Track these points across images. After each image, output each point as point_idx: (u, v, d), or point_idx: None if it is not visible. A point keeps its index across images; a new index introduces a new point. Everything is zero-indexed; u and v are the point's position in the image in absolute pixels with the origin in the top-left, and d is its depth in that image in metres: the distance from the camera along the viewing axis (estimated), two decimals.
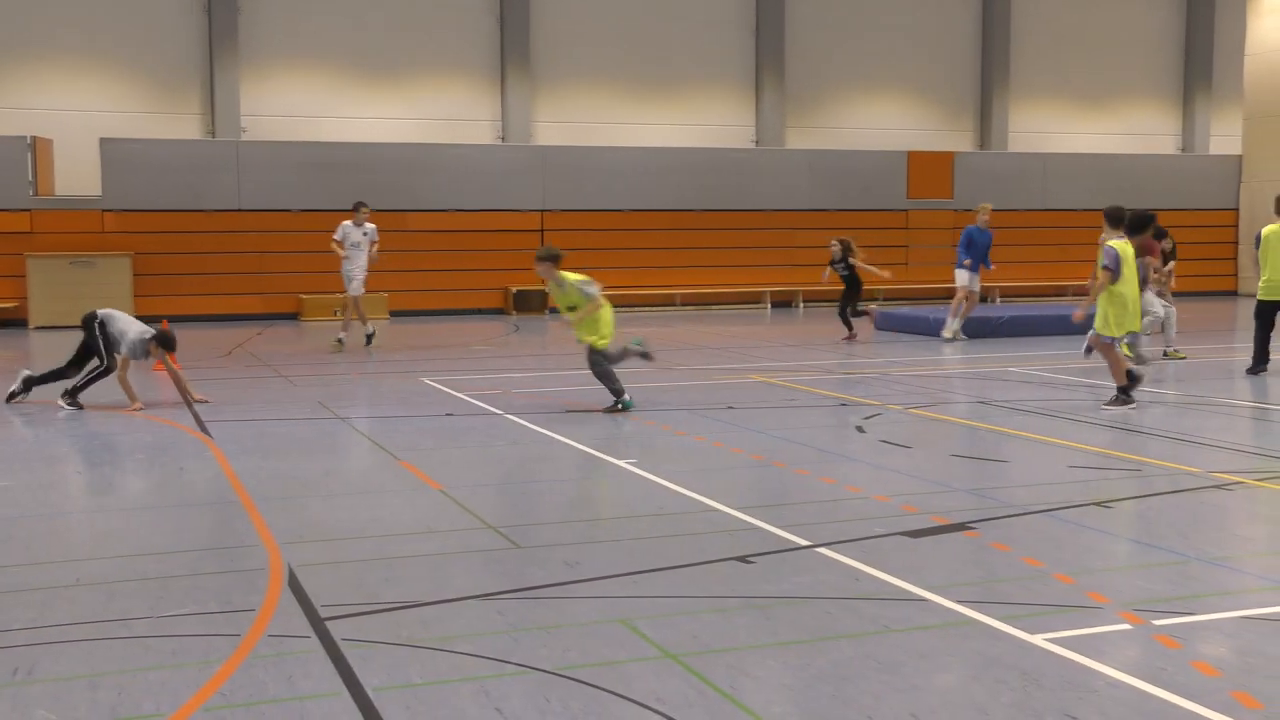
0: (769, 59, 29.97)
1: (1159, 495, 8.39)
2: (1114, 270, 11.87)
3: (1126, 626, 5.58)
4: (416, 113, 28.10)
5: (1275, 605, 5.91)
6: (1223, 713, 4.57)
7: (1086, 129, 33.21)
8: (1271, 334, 14.56)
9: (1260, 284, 14.81)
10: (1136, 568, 6.66)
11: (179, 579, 6.51)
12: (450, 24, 28.11)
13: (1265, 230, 14.87)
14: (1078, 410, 12.10)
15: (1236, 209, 31.43)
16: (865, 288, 20.66)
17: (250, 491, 8.61)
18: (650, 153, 28.19)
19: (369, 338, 19.03)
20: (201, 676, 5.04)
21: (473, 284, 26.86)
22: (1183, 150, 33.97)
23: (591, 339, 12.24)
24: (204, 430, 11.28)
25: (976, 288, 19.71)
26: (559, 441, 10.59)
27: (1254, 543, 7.53)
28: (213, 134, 26.88)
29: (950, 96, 32.08)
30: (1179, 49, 33.87)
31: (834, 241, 19.98)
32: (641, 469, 9.29)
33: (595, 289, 12.26)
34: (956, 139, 32.02)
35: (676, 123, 29.70)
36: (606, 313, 12.46)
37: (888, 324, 21.85)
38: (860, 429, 11.11)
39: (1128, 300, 12.02)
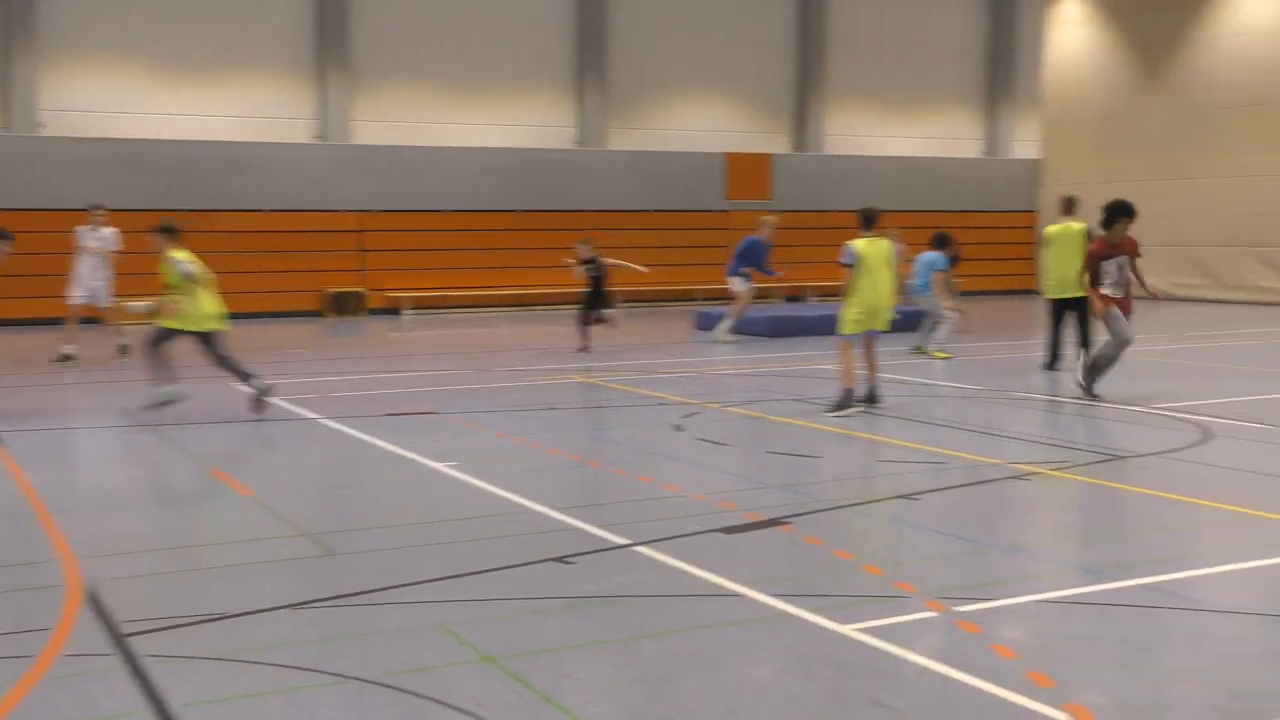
0: (591, 60, 30.02)
1: (962, 487, 8.66)
2: (852, 267, 11.96)
3: (932, 614, 5.75)
4: (230, 109, 27.30)
5: (1068, 589, 6.18)
6: (1019, 692, 4.75)
7: (898, 132, 34.12)
8: (1063, 330, 15.05)
9: (1048, 283, 15.24)
10: (941, 557, 6.86)
11: None
12: (266, 18, 27.40)
13: (1049, 230, 15.42)
14: (888, 407, 12.39)
15: (1036, 211, 32.70)
16: (636, 287, 20.59)
17: (46, 504, 8.26)
18: (472, 153, 27.99)
19: (122, 349, 17.11)
20: None
21: (289, 285, 26.25)
22: (986, 154, 35.18)
23: (184, 324, 12.03)
24: None
25: (744, 290, 19.67)
26: (376, 446, 10.42)
27: (1049, 530, 7.85)
28: (7, 128, 25.69)
29: (768, 99, 32.60)
30: (983, 57, 35.07)
31: (583, 241, 18.95)
32: (461, 472, 9.21)
33: (193, 270, 12.01)
34: (774, 141, 32.56)
35: (499, 123, 29.51)
36: (204, 299, 12.21)
37: (708, 323, 22.11)
38: (678, 428, 11.20)
39: (869, 300, 11.97)
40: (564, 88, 30.11)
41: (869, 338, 12.14)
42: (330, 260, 26.58)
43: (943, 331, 17.17)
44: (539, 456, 10.02)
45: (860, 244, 12.10)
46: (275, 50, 27.57)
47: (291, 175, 26.28)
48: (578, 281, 18.70)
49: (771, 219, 20.10)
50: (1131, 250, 12.42)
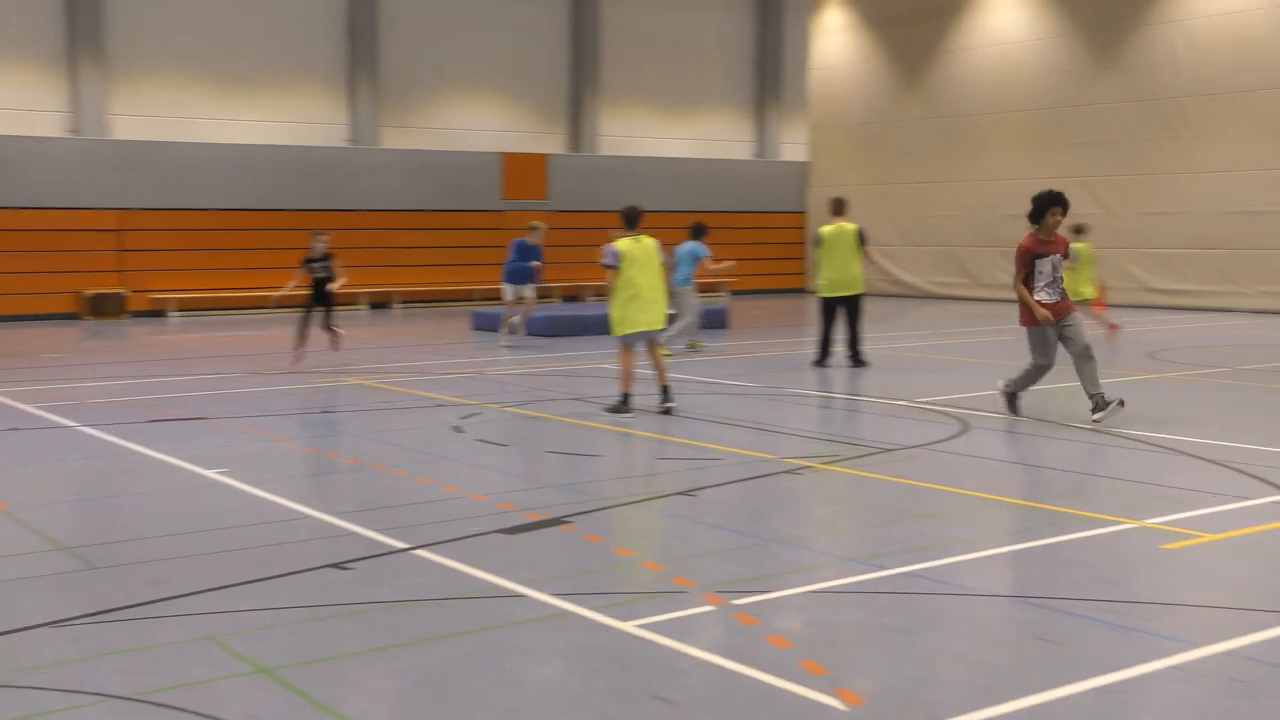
0: (362, 56, 29.53)
1: (738, 482, 8.85)
2: (615, 267, 11.89)
3: (710, 608, 5.86)
4: None
5: (839, 579, 6.38)
6: (794, 681, 4.89)
7: (672, 134, 34.67)
8: (834, 329, 15.52)
9: (821, 282, 15.66)
10: (718, 552, 6.99)
11: None
12: (11, 3, 26.04)
13: (823, 230, 15.75)
14: (676, 406, 12.55)
15: (805, 212, 33.69)
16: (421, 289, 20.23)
17: None
18: (239, 149, 27.23)
19: None
20: None
21: (42, 287, 25.06)
22: (757, 156, 36.06)
23: None
24: None
25: (524, 294, 19.18)
26: (141, 454, 10.05)
27: (822, 522, 8.10)
28: None
29: (543, 99, 32.69)
30: (752, 62, 35.93)
31: (319, 235, 17.05)
32: (233, 478, 8.96)
33: None
34: (550, 141, 32.67)
35: (267, 119, 28.75)
36: None
37: (484, 324, 22.03)
38: (457, 429, 11.14)
39: (636, 300, 11.86)
40: (334, 84, 29.56)
41: (648, 339, 12.11)
42: (87, 260, 25.47)
43: (682, 325, 17.24)
44: (314, 461, 9.83)
45: (623, 243, 12.04)
46: (21, 39, 26.22)
47: (43, 171, 25.10)
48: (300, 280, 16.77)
49: (540, 224, 19.86)
50: (1063, 248, 11.59)
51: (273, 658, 5.23)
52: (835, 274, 15.36)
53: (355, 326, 23.33)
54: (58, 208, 25.17)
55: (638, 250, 12.01)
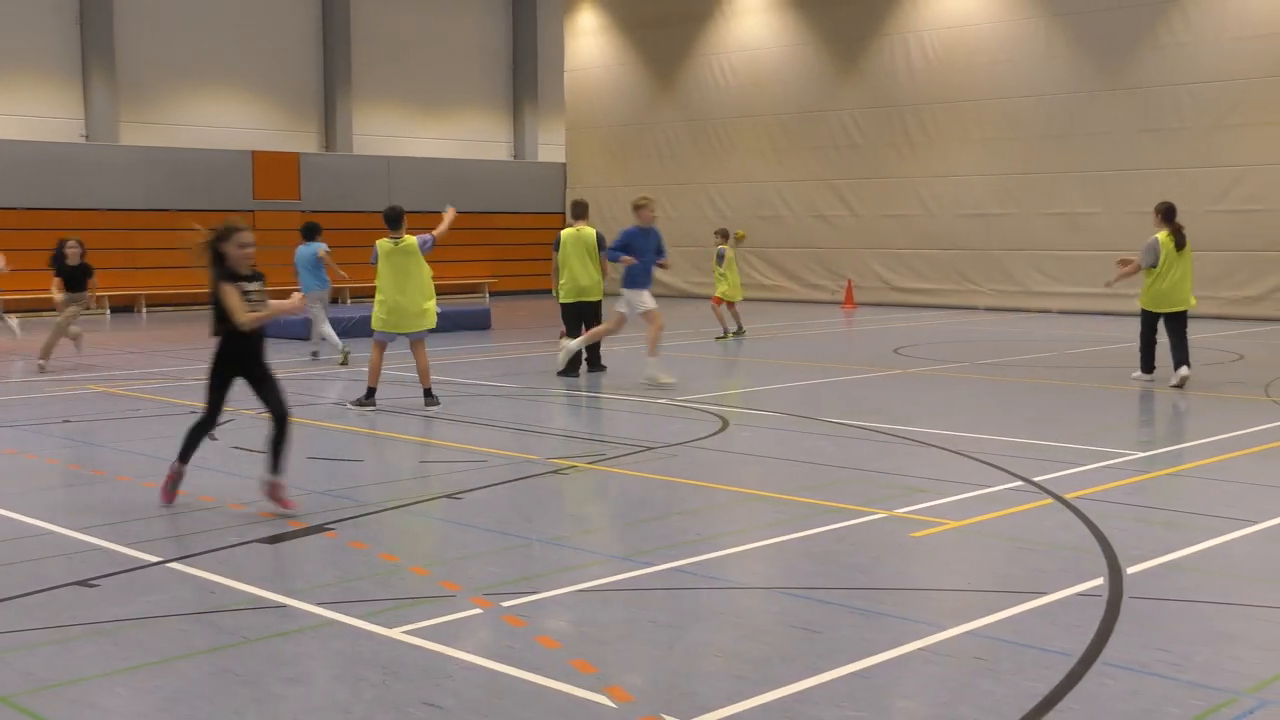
0: (96, 49, 28.23)
1: (504, 483, 8.83)
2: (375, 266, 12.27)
3: (478, 611, 5.83)
4: None
5: (605, 577, 6.44)
6: (563, 680, 4.91)
7: (428, 134, 34.36)
8: (582, 331, 14.95)
9: (560, 286, 15.04)
10: (486, 554, 6.95)
11: None
12: None
13: (563, 234, 15.15)
14: (423, 407, 12.43)
15: (563, 212, 33.85)
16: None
17: None
18: None
19: None
20: None
21: None
22: (515, 157, 36.07)
23: None
24: None
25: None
26: None
27: (587, 521, 8.16)
28: None
29: (294, 97, 31.93)
30: (507, 62, 35.94)
31: (72, 243, 16.09)
32: None
33: None
34: (302, 139, 31.94)
35: None
36: None
37: None
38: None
39: (393, 300, 12.13)
40: (67, 77, 28.21)
41: (412, 339, 12.25)
42: None
43: (324, 333, 16.85)
44: (55, 473, 9.35)
45: (384, 244, 12.24)
46: None
47: None
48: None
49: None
50: None
51: (9, 683, 4.95)
52: (571, 279, 14.88)
53: (98, 331, 22.28)
54: None
55: (398, 250, 12.18)
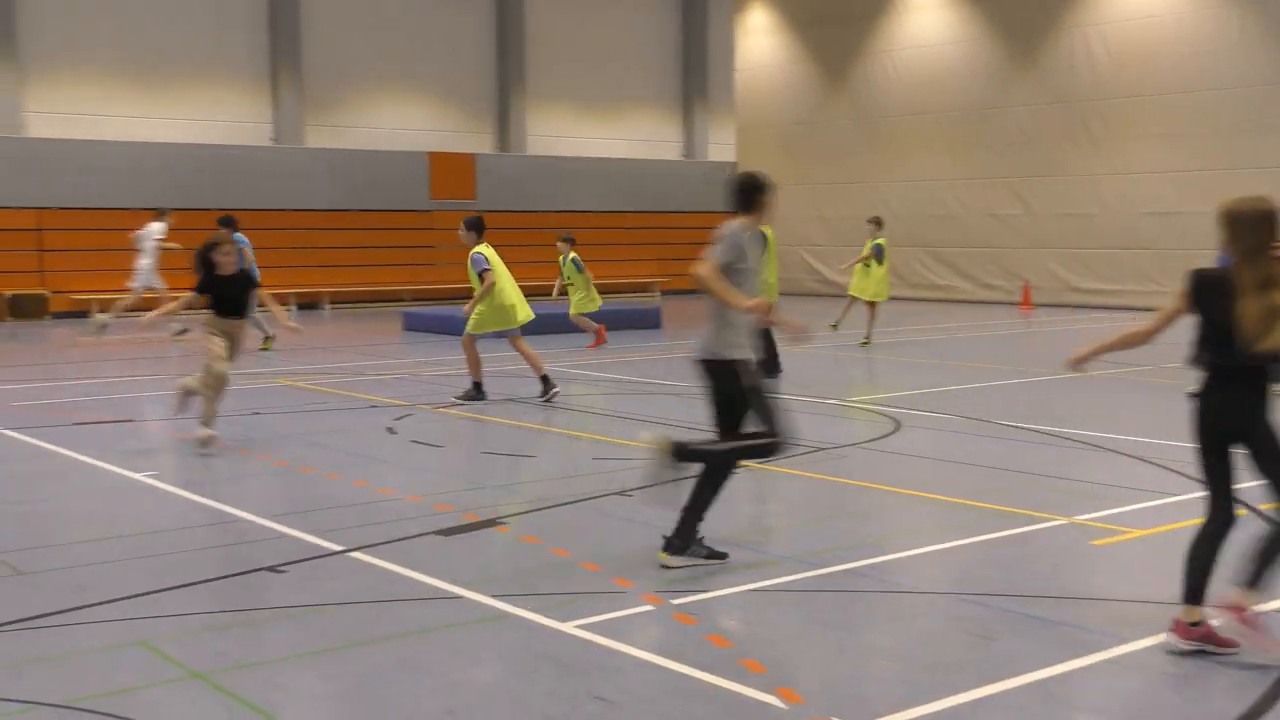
0: (285, 56, 29.18)
1: (675, 481, 8.82)
2: (489, 271, 12.78)
3: (649, 608, 5.85)
4: None
5: (777, 577, 6.40)
6: (734, 680, 4.89)
7: (600, 134, 34.64)
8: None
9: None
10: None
11: None
12: None
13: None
14: (601, 404, 12.57)
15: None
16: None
17: None
18: (160, 149, 26.79)
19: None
20: None
21: None
22: (685, 156, 36.11)
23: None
24: None
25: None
26: (66, 456, 9.86)
27: (759, 521, 8.11)
28: None
29: (470, 99, 32.50)
30: (679, 62, 35.99)
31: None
32: (161, 481, 8.84)
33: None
34: (478, 141, 32.50)
35: (188, 117, 28.29)
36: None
37: (416, 324, 21.88)
38: (391, 430, 11.05)
39: (500, 301, 12.79)
40: (257, 82, 29.17)
41: (512, 336, 12.92)
42: (5, 260, 24.95)
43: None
44: (245, 463, 9.68)
45: (488, 250, 12.97)
46: None
47: None
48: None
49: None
50: None
51: (204, 662, 5.16)
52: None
53: (280, 327, 23.06)
54: None
55: (499, 256, 13.04)
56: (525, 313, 13.06)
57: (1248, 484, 8.40)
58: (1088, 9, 26.56)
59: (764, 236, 13.91)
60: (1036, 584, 6.29)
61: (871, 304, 19.07)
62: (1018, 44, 27.79)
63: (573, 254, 19.04)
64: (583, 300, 18.87)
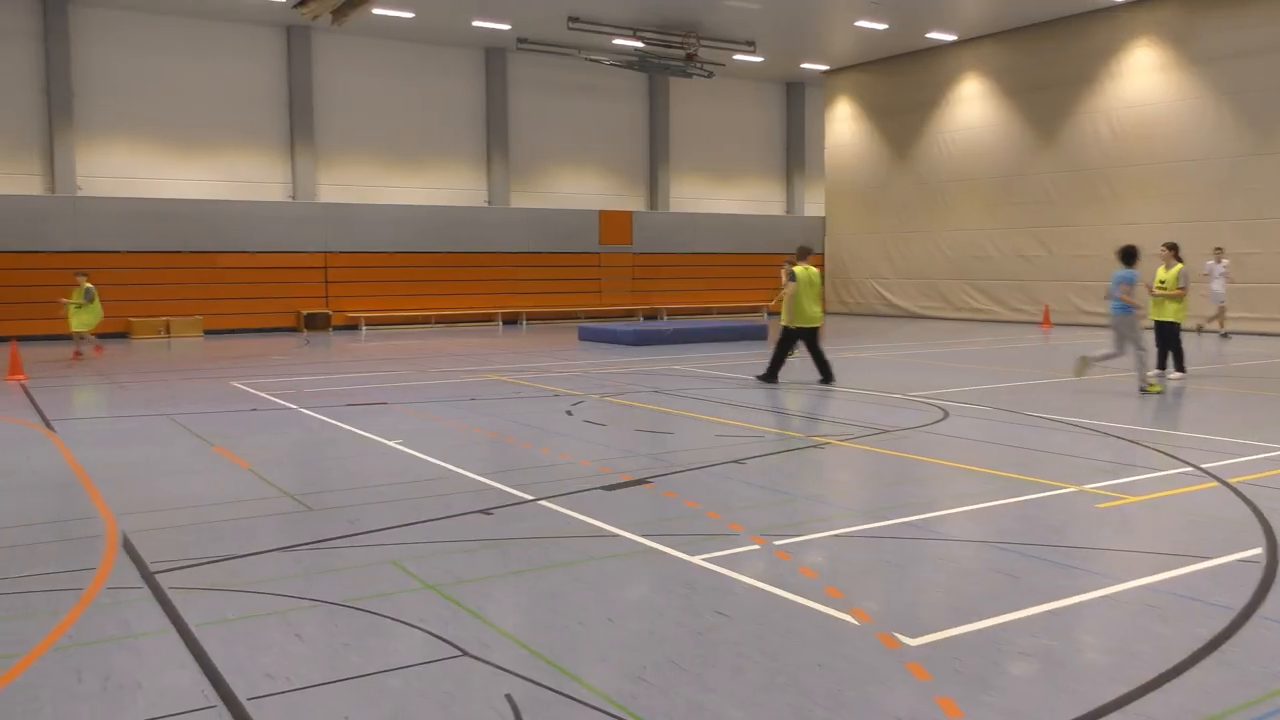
0: (497, 141, 29.78)
1: (776, 454, 8.79)
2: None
3: (755, 547, 5.83)
4: (225, 176, 26.48)
5: (851, 526, 6.31)
6: (819, 602, 4.85)
7: (723, 195, 34.52)
8: (791, 351, 13.95)
9: (793, 313, 13.52)
10: (762, 505, 6.94)
11: (28, 546, 5.91)
12: (248, 108, 26.61)
13: (798, 271, 13.53)
14: (720, 396, 12.53)
15: (823, 254, 33.41)
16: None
17: (89, 474, 7.90)
18: (408, 209, 27.56)
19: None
20: (50, 623, 4.60)
21: (272, 308, 25.56)
22: (787, 213, 35.78)
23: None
24: (48, 426, 10.27)
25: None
26: (341, 428, 10.20)
27: (838, 485, 8.00)
28: (52, 190, 24.53)
29: (629, 170, 32.73)
30: (783, 142, 35.71)
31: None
32: (406, 447, 9.07)
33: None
34: (634, 200, 32.70)
35: (428, 186, 29.09)
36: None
37: (589, 335, 22.11)
38: (569, 413, 11.17)
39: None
40: (476, 160, 29.84)
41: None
42: (303, 289, 25.94)
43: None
44: (464, 435, 9.90)
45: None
46: (256, 130, 26.80)
47: (272, 225, 25.62)
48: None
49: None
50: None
51: (435, 577, 5.29)
52: (805, 309, 13.55)
53: (492, 338, 23.54)
54: (282, 251, 25.65)
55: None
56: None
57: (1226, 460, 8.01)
58: (1098, 98, 25.56)
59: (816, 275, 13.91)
60: (1052, 536, 6.10)
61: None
62: (1042, 126, 26.87)
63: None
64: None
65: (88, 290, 18.52)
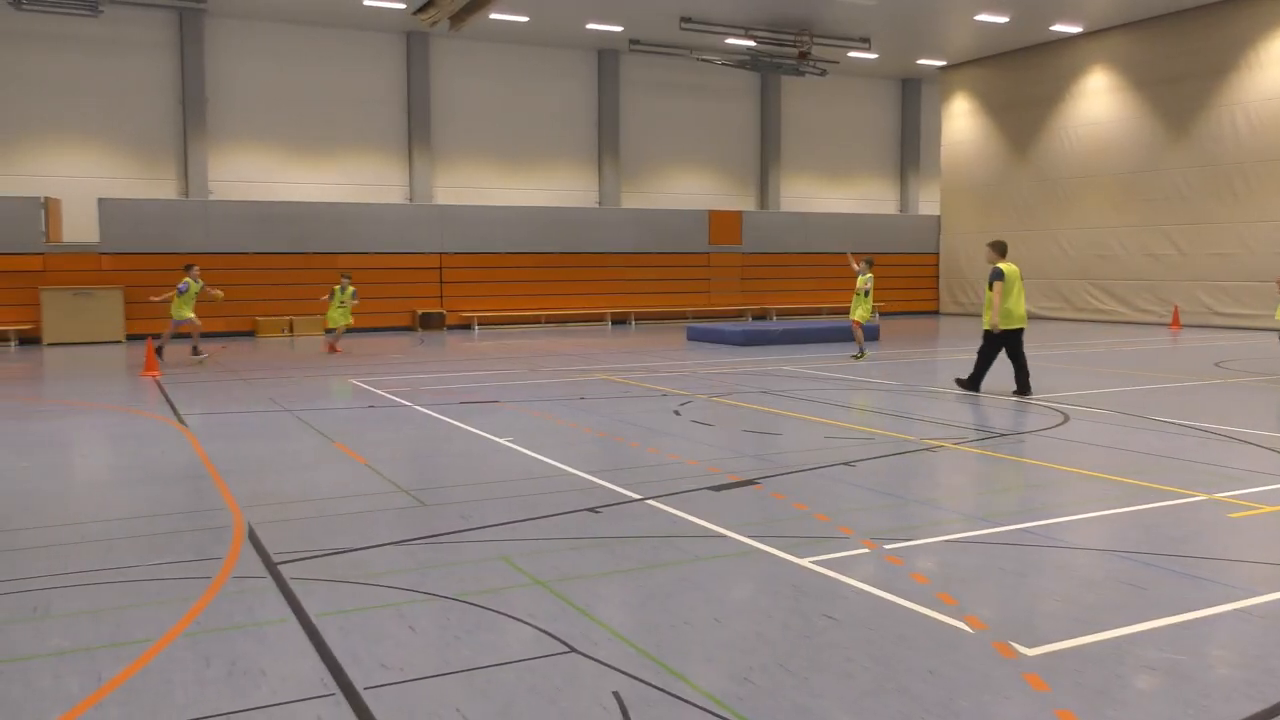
0: (608, 142, 30.03)
1: (887, 456, 8.63)
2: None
3: (865, 550, 5.73)
4: (345, 179, 27.40)
5: (966, 531, 6.15)
6: (931, 608, 4.74)
7: (834, 194, 34.10)
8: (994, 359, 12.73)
9: (999, 315, 12.33)
10: (873, 508, 6.83)
11: (162, 535, 6.22)
12: (368, 112, 27.44)
13: (1005, 268, 12.34)
14: (829, 397, 12.37)
15: (938, 253, 32.66)
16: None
17: (218, 468, 8.27)
18: (521, 210, 27.99)
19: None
20: (181, 610, 4.83)
21: (389, 308, 26.29)
22: (900, 211, 35.11)
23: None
24: (180, 420, 10.79)
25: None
26: (455, 425, 10.41)
27: (951, 489, 7.81)
28: (186, 194, 25.78)
29: (739, 170, 32.60)
30: (897, 139, 35.04)
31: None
32: (517, 445, 9.20)
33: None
34: (744, 200, 32.55)
35: (541, 188, 29.54)
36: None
37: (696, 335, 22.09)
38: (677, 413, 11.18)
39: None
40: (588, 162, 30.14)
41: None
42: (418, 289, 26.59)
43: None
44: (574, 433, 9.99)
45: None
46: (376, 136, 27.60)
47: (390, 227, 26.34)
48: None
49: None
50: None
51: (545, 573, 5.35)
52: (1011, 309, 12.33)
53: (601, 337, 23.73)
54: (399, 252, 26.36)
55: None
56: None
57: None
58: (1233, 89, 24.32)
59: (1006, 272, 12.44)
60: (1181, 546, 5.83)
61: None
62: (1173, 120, 25.71)
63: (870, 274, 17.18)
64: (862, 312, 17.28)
65: (351, 291, 19.69)
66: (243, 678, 4.06)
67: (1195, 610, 4.71)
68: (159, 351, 17.04)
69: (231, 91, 26.08)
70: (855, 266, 17.52)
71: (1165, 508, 6.69)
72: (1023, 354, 12.56)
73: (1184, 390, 13.03)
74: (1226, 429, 9.76)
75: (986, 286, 12.52)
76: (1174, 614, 4.65)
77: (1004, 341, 12.49)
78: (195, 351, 18.03)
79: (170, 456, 8.93)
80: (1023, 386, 12.35)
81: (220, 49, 25.88)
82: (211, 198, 25.66)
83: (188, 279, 17.91)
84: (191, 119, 25.57)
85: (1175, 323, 24.93)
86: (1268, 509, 6.64)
